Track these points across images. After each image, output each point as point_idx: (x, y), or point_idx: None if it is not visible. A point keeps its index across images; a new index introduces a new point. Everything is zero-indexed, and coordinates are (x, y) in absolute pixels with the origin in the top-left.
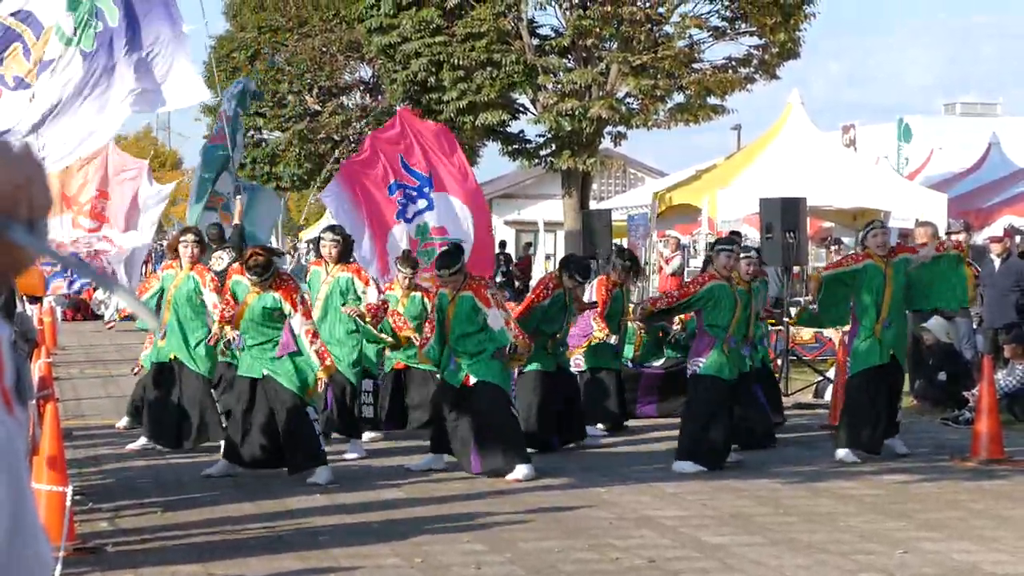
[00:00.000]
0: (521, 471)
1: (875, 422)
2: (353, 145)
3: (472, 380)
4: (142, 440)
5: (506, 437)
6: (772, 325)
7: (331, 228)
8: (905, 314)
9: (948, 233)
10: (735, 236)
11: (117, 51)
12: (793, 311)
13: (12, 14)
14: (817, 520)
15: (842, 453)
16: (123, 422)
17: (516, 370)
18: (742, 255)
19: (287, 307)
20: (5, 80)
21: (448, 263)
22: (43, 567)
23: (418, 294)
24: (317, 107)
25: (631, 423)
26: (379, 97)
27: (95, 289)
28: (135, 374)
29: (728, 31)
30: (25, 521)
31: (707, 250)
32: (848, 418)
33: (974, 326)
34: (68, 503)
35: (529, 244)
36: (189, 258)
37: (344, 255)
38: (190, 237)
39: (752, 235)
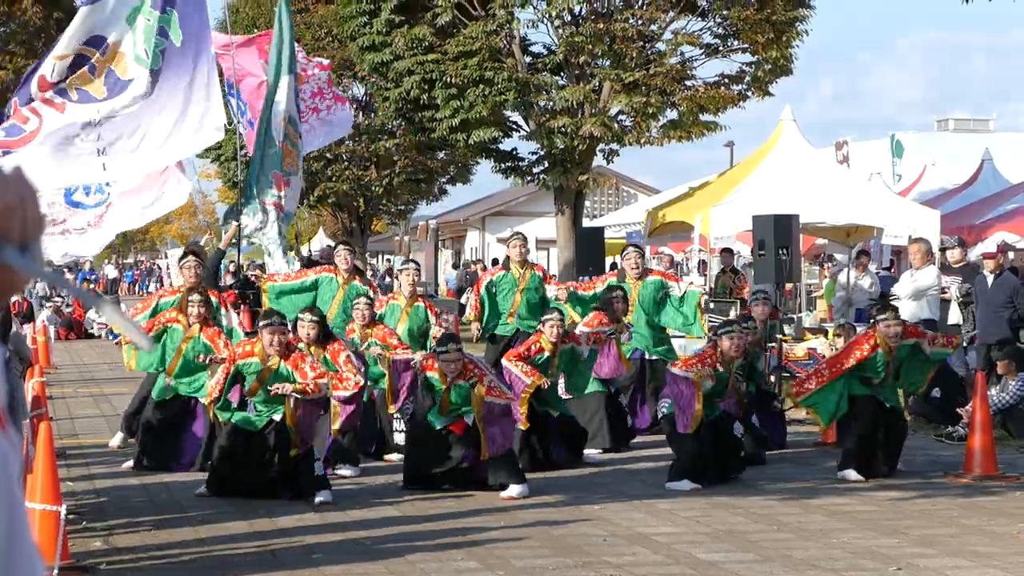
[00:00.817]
0: (515, 490)
1: (875, 447)
2: (346, 163)
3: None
4: (119, 436)
5: (506, 456)
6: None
7: (309, 309)
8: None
9: (942, 249)
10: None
11: (183, 71)
12: (787, 328)
13: (84, 43)
14: (811, 537)
15: (848, 473)
16: (116, 440)
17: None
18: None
19: (299, 377)
20: (69, 94)
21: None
22: None
23: (422, 304)
24: None
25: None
26: (372, 115)
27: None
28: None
29: (720, 48)
30: (20, 541)
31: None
32: (850, 438)
33: (964, 343)
34: (62, 522)
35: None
36: (196, 318)
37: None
38: (196, 298)
39: (745, 252)
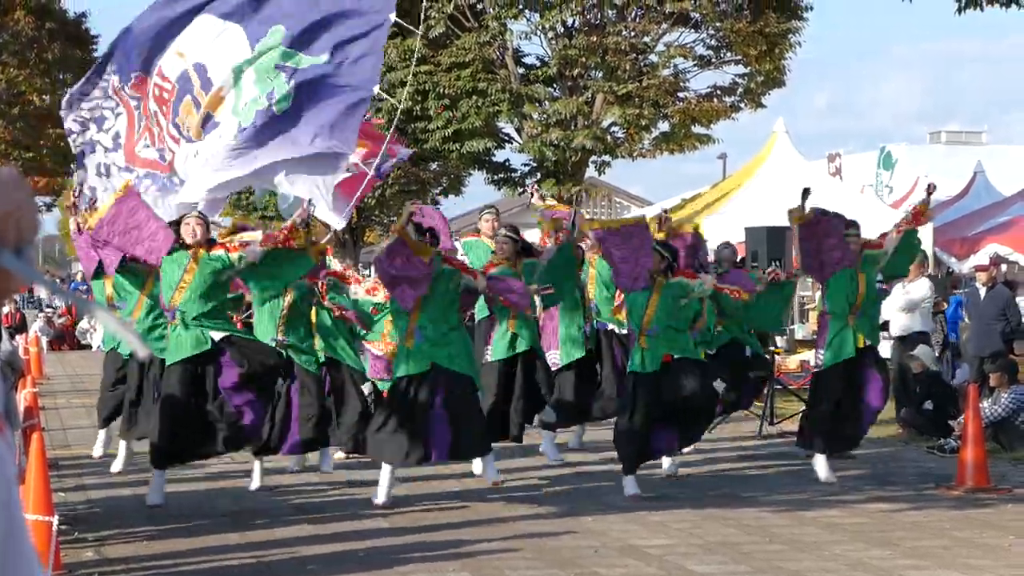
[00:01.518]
0: (489, 472)
1: (839, 421)
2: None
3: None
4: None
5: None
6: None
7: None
8: (877, 308)
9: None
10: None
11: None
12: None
13: (194, 65)
14: (803, 549)
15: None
16: (98, 451)
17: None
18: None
19: None
20: (183, 130)
21: None
22: None
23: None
24: None
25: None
26: None
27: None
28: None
29: (713, 60)
30: (18, 543)
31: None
32: (811, 416)
33: (934, 353)
34: (54, 532)
35: None
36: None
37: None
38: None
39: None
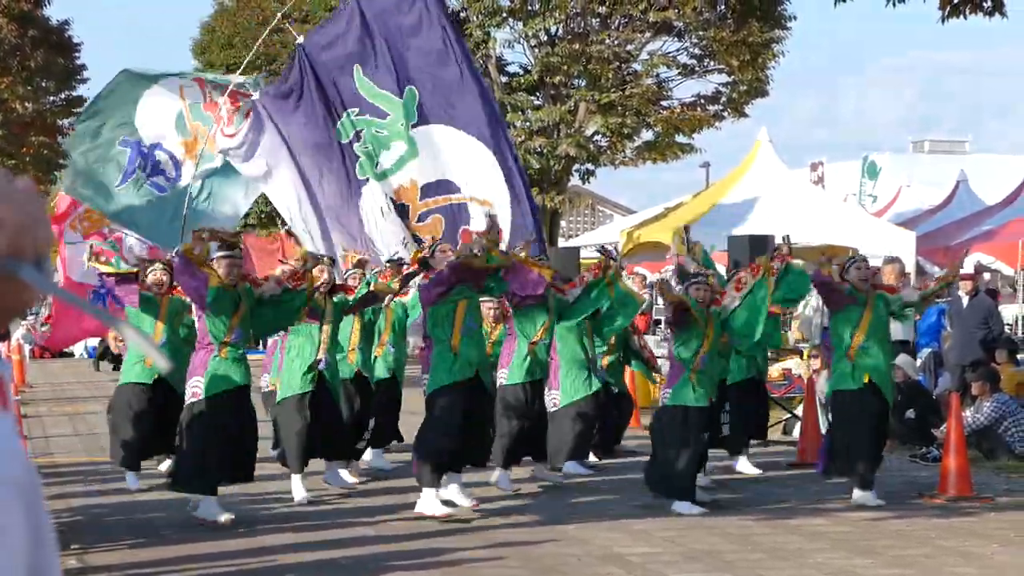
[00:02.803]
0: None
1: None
2: None
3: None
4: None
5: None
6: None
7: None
8: (887, 344)
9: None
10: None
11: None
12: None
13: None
14: (786, 557)
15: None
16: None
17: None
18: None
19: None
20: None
21: None
22: None
23: None
24: None
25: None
26: None
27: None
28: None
29: (696, 69)
30: (47, 557)
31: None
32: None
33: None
34: None
35: None
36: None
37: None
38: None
39: (719, 271)
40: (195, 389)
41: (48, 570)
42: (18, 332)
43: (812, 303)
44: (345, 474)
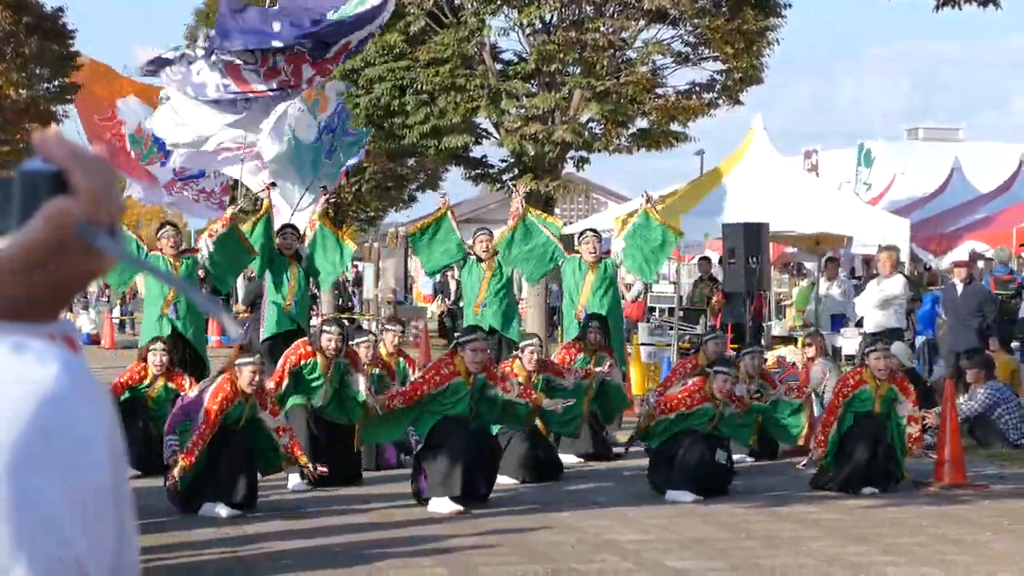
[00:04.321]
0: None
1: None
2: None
3: None
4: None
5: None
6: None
7: (332, 320)
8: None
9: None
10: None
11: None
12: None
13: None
14: (779, 545)
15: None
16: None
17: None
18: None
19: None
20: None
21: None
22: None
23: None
24: None
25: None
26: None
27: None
28: None
29: (691, 57)
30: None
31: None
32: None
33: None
34: None
35: None
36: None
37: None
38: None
39: (713, 260)
40: None
41: (124, 485)
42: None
43: (811, 292)
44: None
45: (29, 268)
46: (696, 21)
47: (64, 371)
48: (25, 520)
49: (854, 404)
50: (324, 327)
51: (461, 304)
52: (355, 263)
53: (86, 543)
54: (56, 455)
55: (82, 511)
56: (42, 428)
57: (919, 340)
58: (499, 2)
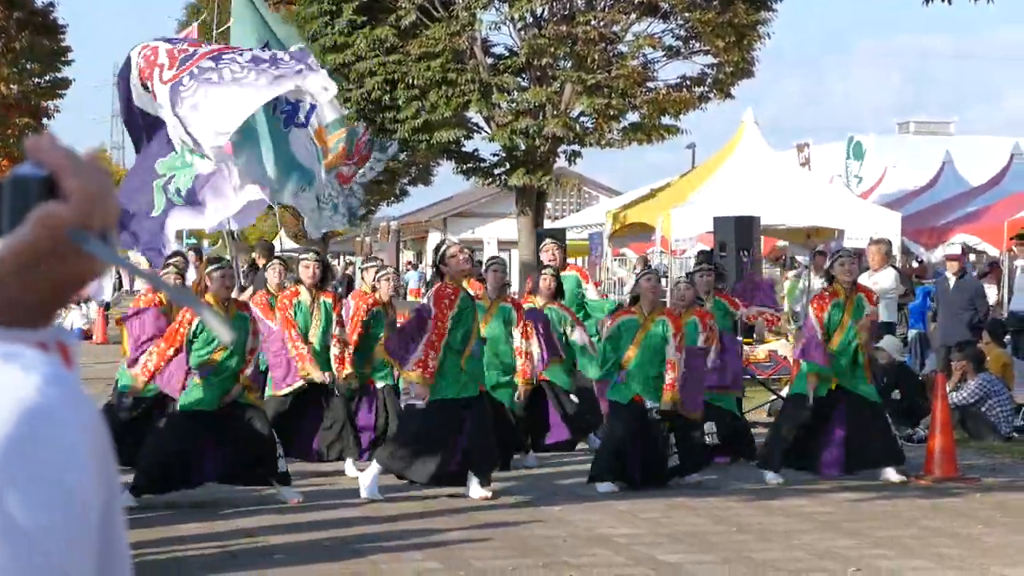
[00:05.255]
0: (477, 491)
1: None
2: None
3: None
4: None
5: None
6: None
7: (312, 251)
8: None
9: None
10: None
11: None
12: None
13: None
14: (771, 538)
15: (768, 476)
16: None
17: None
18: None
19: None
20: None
21: None
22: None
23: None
24: None
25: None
26: None
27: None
28: None
29: (682, 51)
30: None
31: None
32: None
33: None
34: None
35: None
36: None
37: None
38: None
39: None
40: None
41: (115, 503)
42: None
43: (801, 284)
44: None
45: (20, 272)
46: (687, 15)
47: (50, 383)
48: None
49: (832, 320)
50: (300, 257)
51: None
52: (347, 257)
53: (68, 558)
54: (35, 470)
55: (63, 528)
56: (20, 442)
57: (911, 333)
58: None
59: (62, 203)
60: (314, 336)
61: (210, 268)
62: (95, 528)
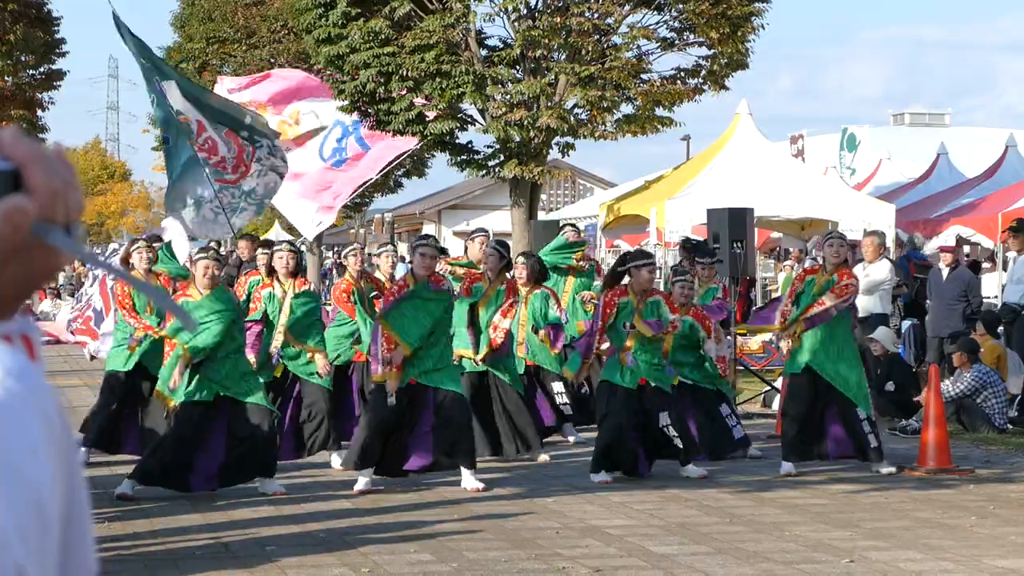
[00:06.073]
0: (470, 481)
1: (803, 427)
2: None
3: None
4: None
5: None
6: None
7: (286, 241)
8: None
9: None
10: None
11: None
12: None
13: None
14: (764, 530)
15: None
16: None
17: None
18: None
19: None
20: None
21: None
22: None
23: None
24: None
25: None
26: None
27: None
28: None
29: (676, 42)
30: (80, 533)
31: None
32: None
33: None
34: None
35: None
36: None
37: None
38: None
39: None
40: None
41: (80, 537)
42: (62, 313)
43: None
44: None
45: None
46: (681, 6)
47: (11, 376)
48: None
49: (803, 296)
50: (275, 249)
51: None
52: (337, 247)
53: (26, 553)
54: None
55: (22, 523)
56: None
57: (904, 325)
58: None
59: (27, 197)
60: (282, 326)
61: (196, 256)
62: (55, 523)
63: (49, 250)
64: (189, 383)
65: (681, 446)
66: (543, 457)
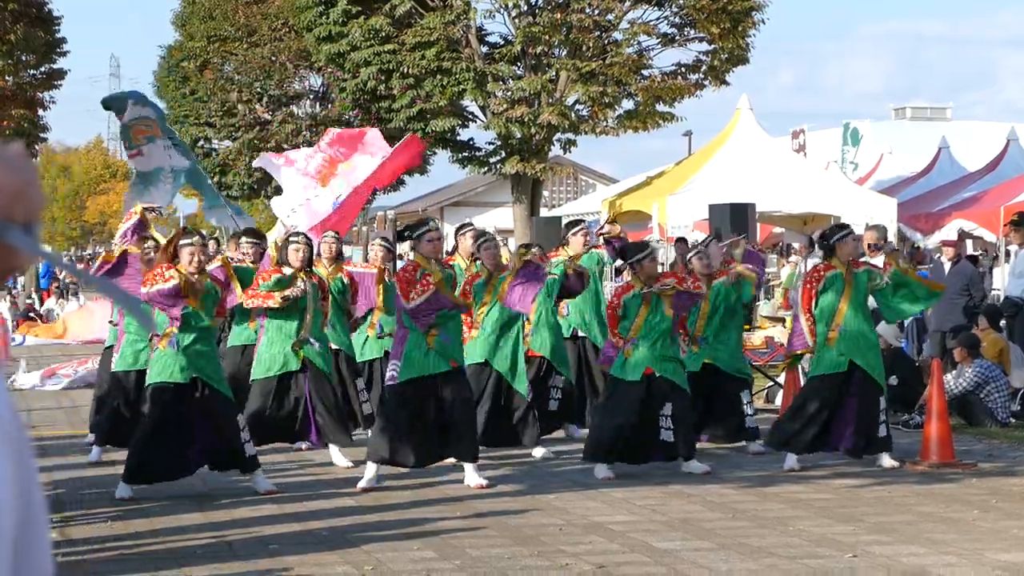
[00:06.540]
0: (473, 478)
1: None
2: None
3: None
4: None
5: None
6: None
7: (301, 234)
8: (865, 324)
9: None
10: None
11: None
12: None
13: None
14: (767, 525)
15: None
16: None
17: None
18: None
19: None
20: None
21: None
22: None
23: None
24: (267, 116)
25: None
26: (329, 106)
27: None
28: None
29: (677, 38)
30: (37, 536)
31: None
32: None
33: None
34: None
35: None
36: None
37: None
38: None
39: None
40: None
41: (36, 542)
42: (1, 305)
43: (800, 270)
44: (339, 456)
45: None
46: (681, 2)
47: None
48: None
49: (829, 290)
50: (290, 239)
51: None
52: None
53: None
54: None
55: None
56: None
57: (907, 319)
58: None
59: None
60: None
61: (181, 242)
62: (8, 525)
63: (8, 249)
64: (166, 365)
65: (671, 440)
66: (539, 451)
